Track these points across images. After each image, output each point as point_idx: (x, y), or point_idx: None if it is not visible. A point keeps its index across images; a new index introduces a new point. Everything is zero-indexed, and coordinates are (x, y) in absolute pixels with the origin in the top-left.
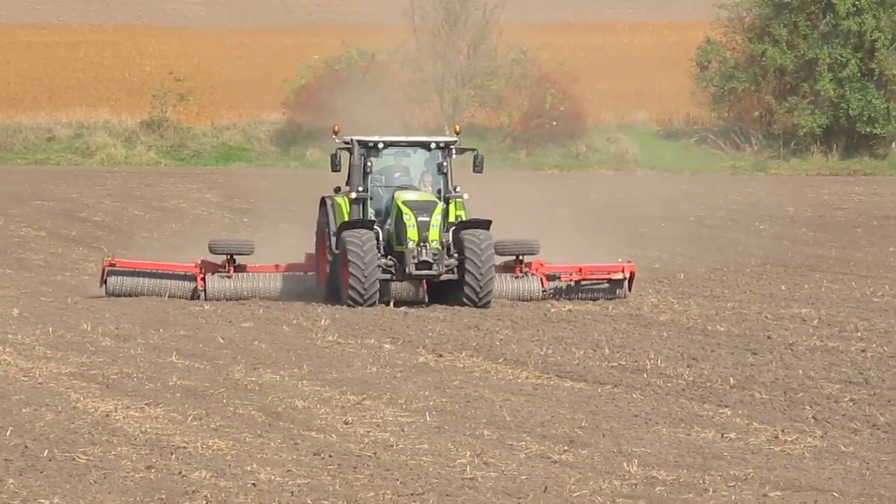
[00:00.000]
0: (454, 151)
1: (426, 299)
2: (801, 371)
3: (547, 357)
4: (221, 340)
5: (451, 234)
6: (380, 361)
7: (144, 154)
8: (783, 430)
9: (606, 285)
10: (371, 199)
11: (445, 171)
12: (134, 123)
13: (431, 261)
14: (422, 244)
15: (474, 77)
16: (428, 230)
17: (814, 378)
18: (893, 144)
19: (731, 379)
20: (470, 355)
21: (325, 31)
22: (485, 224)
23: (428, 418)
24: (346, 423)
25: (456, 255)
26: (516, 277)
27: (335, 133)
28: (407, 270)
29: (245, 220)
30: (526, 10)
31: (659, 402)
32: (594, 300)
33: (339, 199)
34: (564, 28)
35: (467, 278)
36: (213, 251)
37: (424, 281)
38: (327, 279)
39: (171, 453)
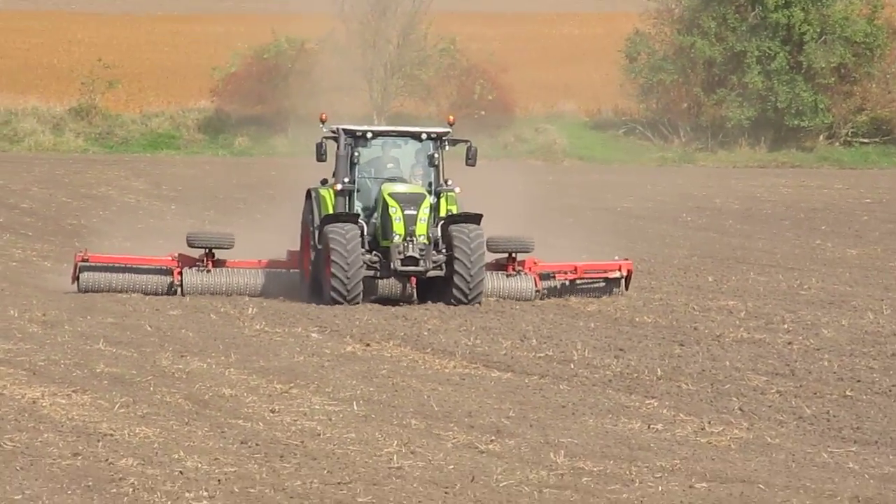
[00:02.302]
0: (447, 143)
1: (415, 297)
2: (727, 363)
3: (475, 347)
4: (149, 328)
5: (439, 228)
6: (307, 350)
7: (73, 141)
8: (710, 422)
9: (602, 284)
10: (358, 191)
11: (437, 163)
12: (62, 110)
13: (418, 256)
14: (408, 239)
15: (403, 66)
16: (415, 224)
17: (740, 370)
18: (821, 137)
19: (658, 370)
20: (398, 345)
21: (253, 20)
22: (475, 218)
23: (355, 407)
24: (273, 411)
25: (444, 250)
26: (508, 276)
27: (322, 122)
28: (392, 266)
29: (173, 207)
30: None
31: (586, 393)
32: (594, 298)
33: (324, 192)
34: (494, 18)
35: (456, 275)
36: (191, 244)
37: (413, 278)
38: (312, 274)
39: (98, 440)
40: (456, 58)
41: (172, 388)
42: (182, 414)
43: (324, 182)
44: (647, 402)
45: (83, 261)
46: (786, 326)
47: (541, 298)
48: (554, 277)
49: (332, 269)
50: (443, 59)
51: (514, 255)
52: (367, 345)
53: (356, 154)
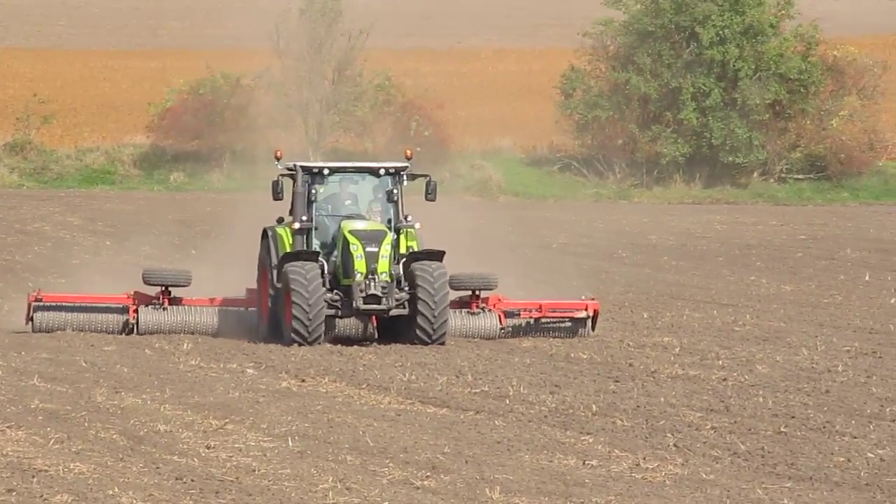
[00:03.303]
0: (405, 178)
1: (376, 336)
2: (662, 399)
3: (410, 383)
4: (84, 364)
5: (401, 266)
6: (242, 386)
7: (7, 176)
8: (644, 458)
9: (568, 324)
10: (316, 229)
11: (396, 198)
12: None
13: (380, 294)
14: (370, 277)
15: (339, 102)
16: (377, 262)
17: (675, 406)
18: (755, 174)
19: (593, 406)
20: (333, 380)
21: (190, 55)
22: (438, 255)
23: (290, 443)
24: (208, 447)
25: (407, 288)
26: (472, 313)
27: (277, 159)
28: (354, 305)
29: (108, 243)
30: (391, 36)
31: (521, 429)
32: (555, 338)
33: (281, 230)
34: (429, 55)
35: (420, 314)
36: (147, 282)
37: (374, 317)
38: (270, 313)
39: (33, 476)
40: (391, 94)
41: (107, 424)
42: (117, 450)
43: (280, 220)
44: (583, 438)
45: (37, 300)
46: (720, 363)
47: (504, 337)
48: (519, 315)
49: (294, 310)
50: (378, 95)
51: (477, 292)
52: (303, 380)
53: (313, 191)
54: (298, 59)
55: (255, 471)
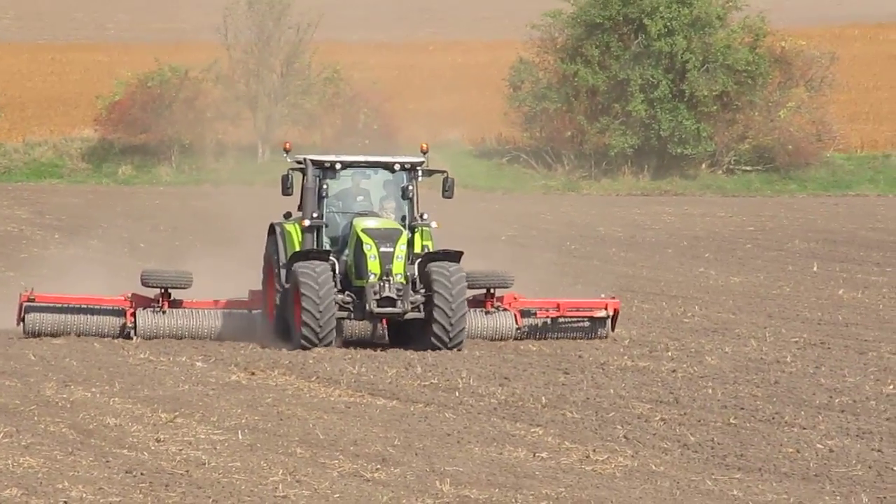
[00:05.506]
0: (421, 173)
1: (386, 338)
2: (612, 391)
3: (360, 375)
4: (33, 357)
5: (416, 266)
6: (192, 379)
7: None
8: (594, 450)
9: (587, 323)
10: (326, 226)
11: (411, 195)
12: None
13: (395, 297)
14: (384, 278)
15: (287, 95)
16: (391, 262)
17: (625, 398)
18: (703, 165)
19: (542, 398)
20: (283, 373)
21: (138, 48)
22: (455, 256)
23: (240, 436)
24: (158, 440)
25: (423, 290)
26: (487, 313)
27: (286, 151)
28: (367, 308)
29: (56, 237)
30: (339, 29)
31: (471, 421)
32: (573, 339)
33: (290, 227)
34: (378, 48)
35: (436, 317)
36: (145, 283)
37: (384, 319)
38: (277, 314)
39: None
40: (340, 86)
41: (56, 418)
42: (66, 443)
43: (287, 216)
44: (533, 430)
45: (29, 301)
46: (670, 354)
47: (519, 338)
48: (535, 315)
49: (304, 312)
50: (327, 88)
51: (492, 290)
52: (252, 373)
53: (324, 186)
54: (247, 51)
55: (205, 464)
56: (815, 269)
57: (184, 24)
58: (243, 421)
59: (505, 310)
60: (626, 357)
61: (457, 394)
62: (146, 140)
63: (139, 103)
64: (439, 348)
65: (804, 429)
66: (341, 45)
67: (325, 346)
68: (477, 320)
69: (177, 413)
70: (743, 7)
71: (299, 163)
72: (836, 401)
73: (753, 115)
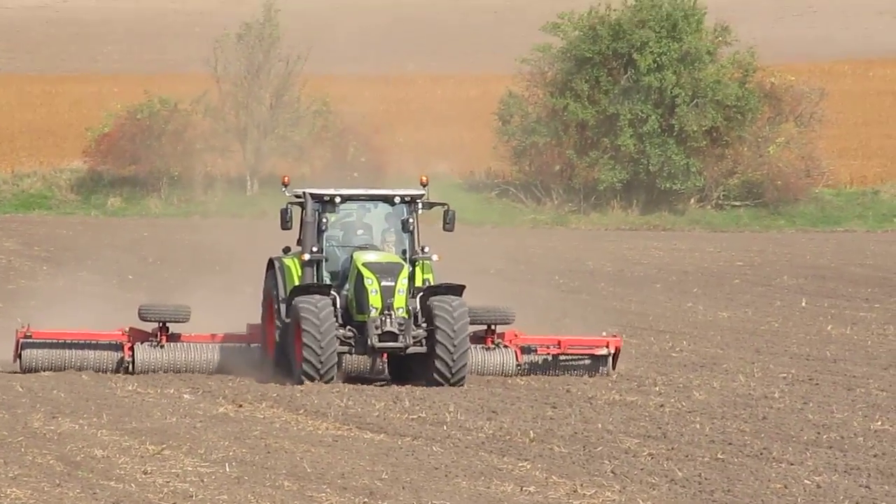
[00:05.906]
0: (421, 206)
1: (386, 373)
2: (600, 425)
3: (347, 408)
4: (20, 389)
5: (418, 300)
6: (179, 411)
7: None
8: (582, 485)
9: (588, 361)
10: (326, 260)
11: (411, 228)
12: None
13: (397, 331)
14: (386, 312)
15: (277, 127)
16: (393, 296)
17: (612, 432)
18: (692, 200)
19: (530, 432)
20: (270, 406)
21: (127, 80)
22: (458, 290)
23: (227, 469)
24: (145, 472)
25: (424, 324)
26: (488, 349)
27: (285, 185)
28: (369, 342)
29: (45, 268)
30: (329, 62)
31: (459, 455)
32: (577, 376)
33: (289, 262)
34: (367, 81)
35: (438, 352)
36: (143, 318)
37: (384, 353)
38: (277, 349)
39: None
40: (329, 119)
41: (44, 450)
42: (54, 475)
43: (286, 251)
44: (520, 464)
45: (25, 337)
46: (658, 389)
47: (521, 374)
48: (536, 352)
49: (305, 347)
50: (316, 121)
51: (493, 326)
52: (240, 406)
53: (324, 220)
54: (236, 84)
55: (192, 496)
56: (803, 304)
57: (174, 56)
58: (230, 453)
59: (506, 346)
60: (614, 391)
61: (444, 427)
62: (135, 172)
63: (128, 135)
64: (441, 384)
65: (792, 464)
66: (331, 77)
67: (327, 381)
68: (477, 356)
69: (164, 445)
70: (733, 42)
71: (298, 196)
72: (824, 437)
73: (743, 151)
